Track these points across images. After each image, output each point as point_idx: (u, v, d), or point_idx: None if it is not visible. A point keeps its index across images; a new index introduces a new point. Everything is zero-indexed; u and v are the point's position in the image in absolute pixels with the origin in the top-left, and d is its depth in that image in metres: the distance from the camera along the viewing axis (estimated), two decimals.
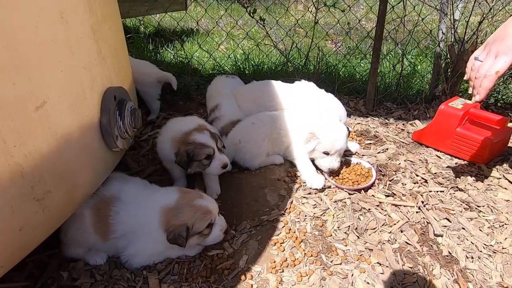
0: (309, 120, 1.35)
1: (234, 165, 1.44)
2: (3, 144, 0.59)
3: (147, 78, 2.00)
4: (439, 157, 1.58)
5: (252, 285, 0.91)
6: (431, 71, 2.36)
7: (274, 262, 0.97)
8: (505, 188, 1.28)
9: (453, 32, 2.08)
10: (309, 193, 1.25)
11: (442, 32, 2.12)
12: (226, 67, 2.68)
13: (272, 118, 1.42)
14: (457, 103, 1.62)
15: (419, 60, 2.77)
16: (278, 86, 1.63)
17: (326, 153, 1.30)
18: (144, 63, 2.09)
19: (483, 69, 0.94)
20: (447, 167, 1.44)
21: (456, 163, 1.51)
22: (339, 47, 4.03)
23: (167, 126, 1.32)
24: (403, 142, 1.72)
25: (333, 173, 1.35)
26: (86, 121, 0.85)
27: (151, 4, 3.99)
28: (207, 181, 1.31)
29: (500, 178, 1.36)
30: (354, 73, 2.46)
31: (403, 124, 1.99)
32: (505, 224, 1.10)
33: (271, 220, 1.13)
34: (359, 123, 1.94)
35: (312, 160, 1.36)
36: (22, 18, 0.63)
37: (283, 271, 0.94)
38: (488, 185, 1.32)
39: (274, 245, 1.03)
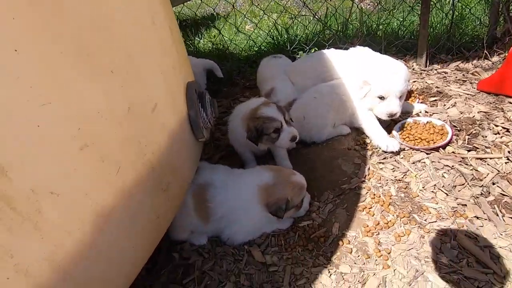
0: (363, 73, 1.33)
1: (300, 142, 1.47)
2: (138, 145, 0.67)
3: (194, 69, 2.06)
4: None
5: (351, 249, 0.96)
6: (488, 11, 2.15)
7: (367, 226, 1.01)
8: None
9: None
10: (385, 158, 1.26)
11: None
12: (262, 46, 2.65)
13: (332, 88, 1.41)
14: None
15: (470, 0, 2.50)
16: (331, 55, 1.60)
17: (381, 98, 1.29)
18: (190, 57, 2.15)
19: None
20: None
21: None
22: (376, 5, 3.77)
23: (235, 110, 1.38)
24: (469, 94, 1.63)
25: (405, 135, 1.33)
26: (181, 117, 0.92)
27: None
28: (278, 160, 1.36)
29: None
30: (398, 30, 2.31)
31: (464, 75, 1.87)
32: None
33: (353, 188, 1.16)
34: (415, 81, 1.85)
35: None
36: (134, 32, 0.69)
37: (378, 234, 0.98)
38: None
39: (363, 211, 1.07)
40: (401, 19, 2.18)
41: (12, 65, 0.42)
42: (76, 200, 0.52)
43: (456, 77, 1.86)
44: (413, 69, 2.05)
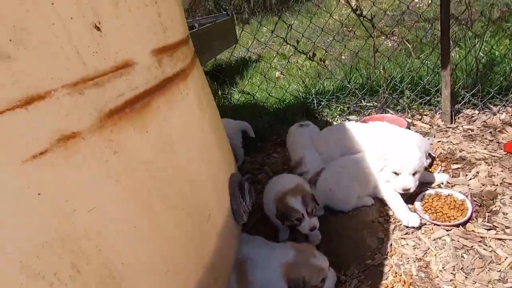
0: (382, 148, 1.48)
1: (327, 209, 1.63)
2: (197, 252, 0.91)
3: (230, 131, 2.35)
4: None
5: None
6: None
7: None
8: None
9: None
10: (406, 233, 1.37)
11: None
12: (291, 102, 2.89)
13: (355, 161, 1.58)
14: None
15: (496, 42, 2.47)
16: (352, 128, 1.78)
17: (396, 173, 1.41)
18: (226, 119, 2.46)
19: None
20: None
21: None
22: (399, 42, 3.86)
23: (269, 184, 1.60)
24: (495, 157, 1.69)
25: (427, 207, 1.43)
26: (227, 214, 1.15)
27: (212, 51, 4.49)
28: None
29: None
30: (422, 78, 2.38)
31: (491, 133, 1.92)
32: None
33: (376, 264, 1.28)
34: (439, 141, 1.94)
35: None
36: (195, 166, 0.95)
37: None
38: None
39: None
40: (426, 79, 2.28)
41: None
42: None
43: (483, 135, 1.92)
44: (439, 125, 2.13)
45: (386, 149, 1.47)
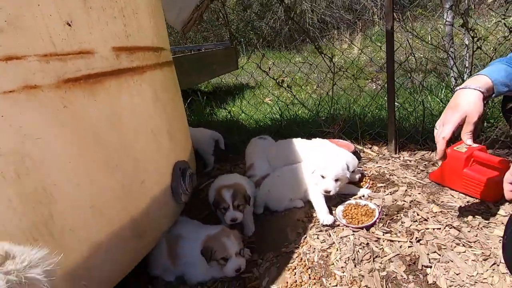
0: (315, 161, 1.74)
1: (266, 209, 1.86)
2: (125, 205, 1.15)
3: (202, 138, 2.65)
4: (452, 196, 1.75)
5: None
6: None
7: (287, 282, 1.33)
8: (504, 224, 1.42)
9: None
10: (320, 231, 1.59)
11: (454, 78, 2.31)
12: (266, 122, 3.22)
13: (291, 170, 1.84)
14: (463, 146, 1.80)
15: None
16: (298, 143, 2.06)
17: (323, 177, 1.66)
18: (200, 129, 2.77)
19: (437, 136, 1.23)
20: (454, 206, 1.62)
21: (468, 202, 1.67)
22: (381, 86, 4.29)
23: (217, 179, 1.86)
24: (419, 183, 1.93)
25: (345, 214, 1.66)
26: (165, 187, 1.41)
27: (211, 72, 4.94)
28: (244, 221, 1.75)
29: (505, 216, 1.50)
30: (372, 120, 2.74)
31: (425, 165, 2.18)
32: (489, 258, 1.27)
33: (288, 252, 1.50)
34: (379, 167, 2.20)
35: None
36: (140, 142, 1.22)
37: None
38: (488, 222, 1.47)
39: (288, 271, 1.39)
40: (374, 113, 2.61)
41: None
42: (78, 233, 0.99)
43: (417, 166, 2.17)
44: (384, 154, 2.40)
45: (318, 163, 1.74)
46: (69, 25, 0.93)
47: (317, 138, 2.09)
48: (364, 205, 1.69)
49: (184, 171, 1.57)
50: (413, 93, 2.77)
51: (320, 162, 1.70)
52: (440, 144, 1.21)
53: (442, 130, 1.20)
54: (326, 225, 1.59)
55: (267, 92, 4.90)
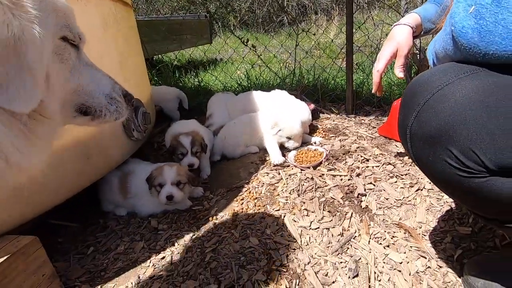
0: (274, 114, 1.81)
1: (224, 157, 1.92)
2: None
3: (168, 96, 2.63)
4: (397, 146, 1.89)
5: (215, 222, 1.35)
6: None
7: (234, 210, 1.40)
8: None
9: (417, 42, 2.41)
10: (271, 170, 1.67)
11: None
12: (234, 87, 3.24)
13: (248, 118, 1.90)
14: None
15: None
16: (258, 95, 2.12)
17: (289, 138, 1.74)
18: (166, 87, 2.74)
19: (373, 69, 1.32)
20: (395, 152, 1.76)
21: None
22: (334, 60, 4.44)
23: (173, 125, 1.89)
24: (370, 136, 2.06)
25: (297, 157, 1.75)
26: None
27: (181, 42, 4.82)
28: (201, 165, 1.79)
29: None
30: (333, 83, 2.85)
31: (377, 123, 2.31)
32: (415, 185, 1.41)
33: (239, 187, 1.57)
34: (335, 123, 2.31)
35: (282, 146, 1.81)
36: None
37: (238, 215, 1.37)
38: None
39: (237, 201, 1.46)
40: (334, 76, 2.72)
41: None
42: None
43: (370, 123, 2.31)
44: (341, 115, 2.52)
45: (279, 120, 1.80)
46: None
47: (276, 90, 2.15)
48: (314, 149, 1.79)
49: (137, 108, 1.57)
50: (371, 56, 2.89)
51: (283, 125, 1.77)
52: (375, 77, 1.30)
53: (377, 65, 1.29)
54: (277, 165, 1.68)
55: (239, 67, 4.90)
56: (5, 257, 0.86)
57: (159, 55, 5.50)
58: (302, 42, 3.01)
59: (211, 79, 3.79)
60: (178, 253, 1.21)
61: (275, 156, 1.70)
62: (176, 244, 1.27)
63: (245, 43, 2.67)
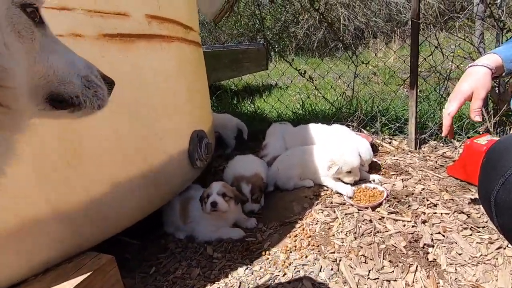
0: (331, 153, 1.78)
1: (277, 188, 1.93)
2: (145, 155, 1.29)
3: (228, 124, 2.79)
4: (470, 190, 1.70)
5: (268, 258, 1.35)
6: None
7: (287, 247, 1.39)
8: None
9: None
10: (326, 207, 1.63)
11: None
12: (290, 116, 3.30)
13: (302, 150, 1.90)
14: (484, 139, 1.75)
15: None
16: (316, 128, 2.12)
17: (349, 172, 1.71)
18: (226, 115, 2.91)
19: (443, 113, 1.24)
20: (468, 197, 1.58)
21: None
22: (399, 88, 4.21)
23: (234, 161, 1.98)
24: (436, 176, 1.89)
25: (354, 197, 1.69)
26: (182, 148, 1.54)
27: (240, 70, 5.14)
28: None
29: None
30: (399, 114, 2.70)
31: (445, 162, 2.12)
32: (496, 241, 1.23)
33: (292, 222, 1.55)
34: (396, 159, 2.17)
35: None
36: (166, 103, 1.37)
37: (291, 252, 1.35)
38: None
39: (290, 237, 1.45)
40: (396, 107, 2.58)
41: None
42: (104, 169, 1.14)
43: (437, 161, 2.12)
44: (403, 149, 2.36)
45: (336, 158, 1.76)
46: None
47: (337, 124, 2.13)
48: (373, 188, 1.70)
49: (201, 139, 1.70)
50: (438, 87, 2.69)
51: (341, 161, 1.73)
52: (446, 120, 1.21)
53: (448, 106, 1.21)
54: (350, 197, 1.64)
55: (295, 93, 4.98)
56: (87, 274, 0.98)
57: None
58: (355, 67, 2.97)
59: (267, 106, 3.91)
60: (232, 286, 1.24)
61: (344, 188, 1.69)
62: (229, 276, 1.30)
63: (302, 74, 2.72)
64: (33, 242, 0.99)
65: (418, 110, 2.34)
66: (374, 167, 2.01)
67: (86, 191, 1.09)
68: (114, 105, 1.14)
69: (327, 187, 1.80)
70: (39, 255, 1.02)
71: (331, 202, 1.66)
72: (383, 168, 1.98)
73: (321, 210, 1.62)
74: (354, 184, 1.77)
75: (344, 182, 1.76)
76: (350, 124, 2.66)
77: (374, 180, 1.81)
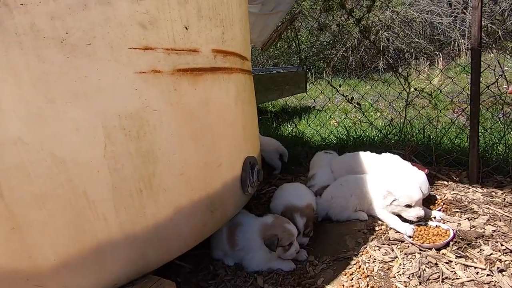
0: (386, 180, 1.69)
1: (327, 218, 1.87)
2: (205, 182, 1.33)
3: (269, 148, 2.81)
4: None
5: None
6: None
7: (343, 286, 1.32)
8: None
9: None
10: (383, 244, 1.53)
11: None
12: (332, 140, 3.24)
13: (356, 179, 1.83)
14: None
15: None
16: (366, 156, 2.04)
17: (409, 206, 1.59)
18: (268, 138, 2.94)
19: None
20: None
21: None
22: (457, 117, 3.96)
23: (284, 190, 1.94)
24: (507, 216, 1.71)
25: (414, 235, 1.57)
26: (235, 175, 1.57)
27: (280, 92, 5.24)
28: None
29: None
30: (456, 143, 2.52)
31: None
32: None
33: (346, 258, 1.48)
34: (456, 194, 2.01)
35: (399, 215, 1.66)
36: (223, 132, 1.42)
37: None
38: None
39: (345, 275, 1.37)
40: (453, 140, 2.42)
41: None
42: (169, 194, 1.19)
43: (505, 199, 1.92)
44: (462, 183, 2.18)
45: (392, 188, 1.67)
46: (186, 28, 1.19)
47: (388, 153, 2.04)
48: (436, 226, 1.57)
49: (253, 166, 1.72)
50: (496, 111, 2.48)
51: (397, 192, 1.64)
52: None
53: None
54: (410, 236, 1.53)
55: (333, 115, 4.91)
56: None
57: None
58: (398, 88, 2.84)
59: (307, 128, 3.88)
60: None
61: (401, 227, 1.58)
62: None
63: (349, 101, 2.68)
64: (104, 263, 1.04)
65: (479, 141, 2.17)
66: (432, 202, 1.87)
67: (153, 216, 1.14)
68: (185, 134, 1.22)
69: (382, 221, 1.71)
70: (108, 276, 1.07)
71: (388, 239, 1.56)
72: (444, 204, 1.84)
73: (378, 247, 1.52)
74: (415, 221, 1.65)
75: (402, 219, 1.64)
76: (400, 152, 2.53)
77: (435, 217, 1.68)
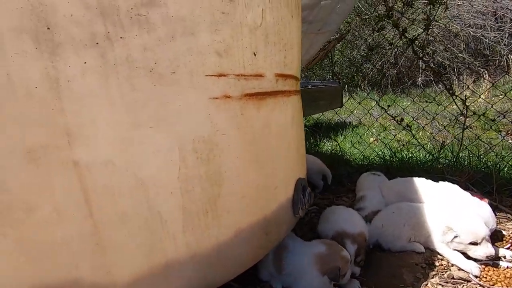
0: (445, 213, 1.58)
1: (378, 246, 1.78)
2: (262, 206, 1.33)
3: (313, 168, 2.77)
4: None
5: None
6: None
7: None
8: None
9: None
10: (446, 282, 1.42)
11: None
12: (374, 161, 3.13)
13: (411, 207, 1.74)
14: None
15: None
16: (421, 183, 1.94)
17: (474, 244, 1.47)
18: (311, 157, 2.90)
19: None
20: None
21: None
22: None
23: (333, 214, 1.88)
24: None
25: (482, 275, 1.45)
26: (288, 197, 1.56)
27: (317, 107, 5.21)
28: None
29: None
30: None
31: None
32: None
33: None
34: None
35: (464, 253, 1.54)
36: (280, 154, 1.43)
37: None
38: None
39: None
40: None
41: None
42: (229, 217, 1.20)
43: None
44: None
45: (452, 223, 1.57)
46: (255, 54, 1.23)
47: (445, 181, 1.92)
48: (507, 267, 1.44)
49: (304, 188, 1.69)
50: None
51: (459, 228, 1.53)
52: None
53: None
54: (476, 276, 1.41)
55: (371, 132, 4.77)
56: None
57: None
58: (449, 107, 2.67)
59: (346, 146, 3.79)
60: None
61: (465, 265, 1.47)
62: None
63: (399, 122, 2.58)
64: (171, 282, 1.07)
65: None
66: (498, 239, 1.72)
67: (216, 237, 1.15)
68: (247, 157, 1.24)
69: (442, 256, 1.59)
70: None
71: (452, 277, 1.45)
72: (510, 239, 1.68)
73: (440, 285, 1.42)
74: (481, 260, 1.52)
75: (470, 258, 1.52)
76: (454, 179, 2.38)
77: (505, 257, 1.54)
